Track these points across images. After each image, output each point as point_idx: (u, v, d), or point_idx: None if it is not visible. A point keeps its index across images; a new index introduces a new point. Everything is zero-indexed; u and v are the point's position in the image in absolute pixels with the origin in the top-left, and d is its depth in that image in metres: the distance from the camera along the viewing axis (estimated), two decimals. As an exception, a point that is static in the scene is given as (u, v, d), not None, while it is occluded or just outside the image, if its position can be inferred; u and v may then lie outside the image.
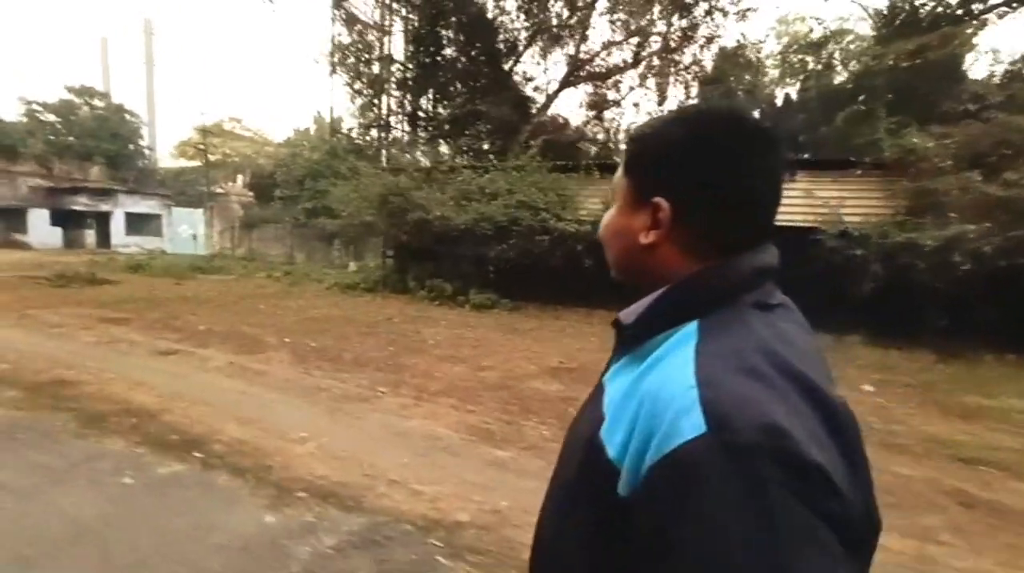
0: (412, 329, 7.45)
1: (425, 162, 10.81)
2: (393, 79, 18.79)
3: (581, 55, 18.28)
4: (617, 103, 19.12)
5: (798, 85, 24.31)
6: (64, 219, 25.76)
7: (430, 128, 18.35)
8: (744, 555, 0.41)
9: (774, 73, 24.22)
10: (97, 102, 34.82)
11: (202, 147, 29.80)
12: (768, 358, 0.48)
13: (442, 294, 10.36)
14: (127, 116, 36.87)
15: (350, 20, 22.06)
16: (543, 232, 8.84)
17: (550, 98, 18.77)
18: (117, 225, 26.75)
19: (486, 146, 16.56)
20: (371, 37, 20.72)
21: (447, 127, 17.15)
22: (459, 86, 17.98)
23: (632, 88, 18.88)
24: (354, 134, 23.78)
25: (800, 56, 21.71)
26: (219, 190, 35.07)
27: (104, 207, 26.40)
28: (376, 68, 21.56)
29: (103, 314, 7.83)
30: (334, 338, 6.64)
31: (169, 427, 3.49)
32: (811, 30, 22.13)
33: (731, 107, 0.69)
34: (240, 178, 43.75)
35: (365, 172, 11.08)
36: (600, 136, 19.76)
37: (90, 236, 26.68)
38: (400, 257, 11.62)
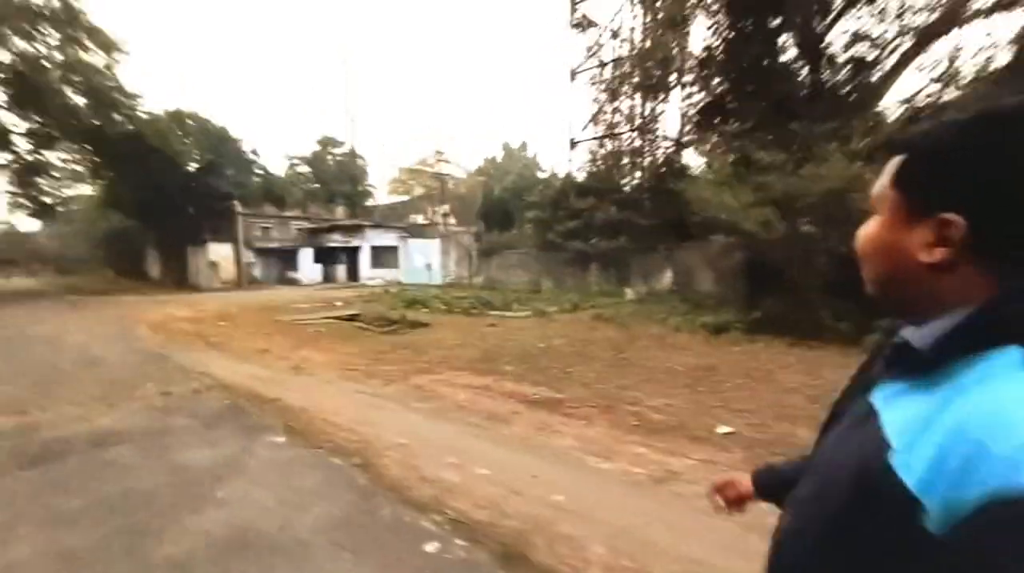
0: None
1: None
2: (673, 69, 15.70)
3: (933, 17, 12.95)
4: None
5: None
6: (322, 256, 28.24)
7: (730, 122, 14.62)
8: None
9: None
10: (337, 150, 39.13)
11: (438, 176, 30.59)
12: None
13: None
14: (358, 160, 40.94)
15: (585, 23, 20.04)
16: None
17: (897, 66, 13.63)
18: (364, 259, 28.49)
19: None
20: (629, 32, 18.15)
21: (755, 118, 13.17)
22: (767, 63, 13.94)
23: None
24: (586, 148, 21.46)
25: None
26: (423, 220, 36.36)
27: (354, 242, 28.33)
28: (613, 68, 18.97)
29: (502, 386, 5.63)
30: None
31: None
32: None
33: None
34: (442, 207, 46.08)
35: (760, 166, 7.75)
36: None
37: (341, 270, 28.91)
38: (800, 288, 7.98)
